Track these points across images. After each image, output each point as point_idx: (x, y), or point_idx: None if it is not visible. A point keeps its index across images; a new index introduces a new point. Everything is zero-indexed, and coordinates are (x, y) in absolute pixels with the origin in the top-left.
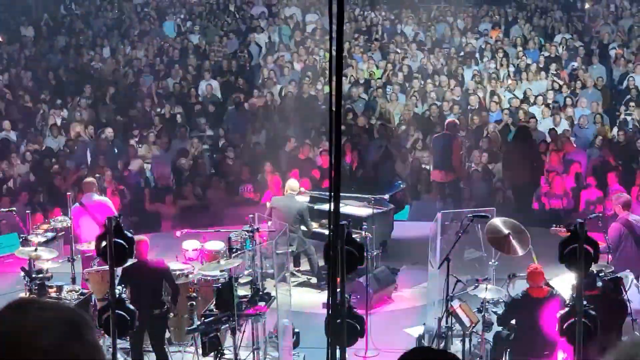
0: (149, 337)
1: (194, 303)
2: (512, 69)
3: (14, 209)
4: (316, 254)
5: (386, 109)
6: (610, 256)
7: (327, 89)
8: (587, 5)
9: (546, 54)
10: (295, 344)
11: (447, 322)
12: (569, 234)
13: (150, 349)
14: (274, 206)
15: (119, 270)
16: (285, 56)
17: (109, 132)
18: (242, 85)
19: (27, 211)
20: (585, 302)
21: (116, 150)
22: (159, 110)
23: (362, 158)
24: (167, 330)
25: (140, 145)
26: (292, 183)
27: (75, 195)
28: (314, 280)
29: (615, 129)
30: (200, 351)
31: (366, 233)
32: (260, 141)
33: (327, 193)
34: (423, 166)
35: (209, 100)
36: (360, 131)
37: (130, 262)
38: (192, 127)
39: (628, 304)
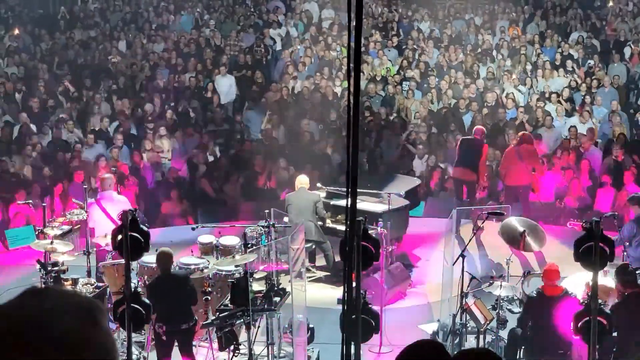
0: (178, 348)
1: (209, 298)
2: (529, 66)
3: (30, 201)
4: (332, 249)
5: (404, 105)
6: (624, 253)
7: (344, 84)
8: (610, 3)
9: (563, 51)
10: (310, 340)
11: (461, 319)
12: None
13: None
14: (288, 203)
15: (134, 264)
16: (301, 51)
17: (124, 125)
18: (258, 79)
19: (42, 204)
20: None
21: (132, 145)
22: (173, 104)
23: (380, 154)
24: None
25: (155, 139)
26: (302, 177)
27: (91, 189)
28: (327, 274)
29: (627, 128)
30: (215, 346)
31: (381, 229)
32: (277, 136)
33: (344, 188)
34: (439, 163)
35: (217, 106)
36: (377, 127)
37: (155, 275)
38: (208, 121)
39: None
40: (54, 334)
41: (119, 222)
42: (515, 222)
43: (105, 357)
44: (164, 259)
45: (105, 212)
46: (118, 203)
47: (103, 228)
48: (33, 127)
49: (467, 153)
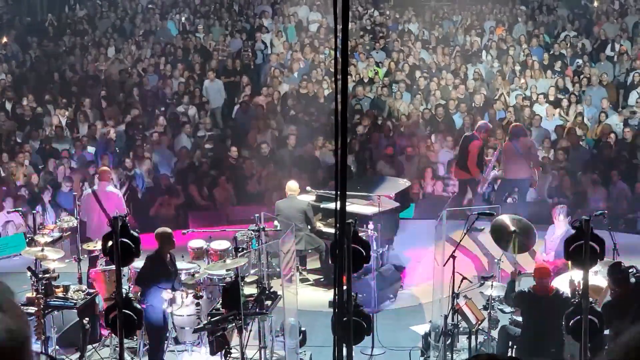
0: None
1: (200, 302)
2: (517, 67)
3: (20, 209)
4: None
5: (395, 107)
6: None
7: (332, 87)
8: (595, 4)
9: (551, 51)
10: (302, 343)
11: (453, 320)
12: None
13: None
14: (278, 211)
15: (125, 270)
16: (289, 55)
17: (112, 132)
18: (246, 84)
19: (33, 211)
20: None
21: (117, 150)
22: (163, 109)
23: (370, 157)
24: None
25: (146, 146)
26: (292, 184)
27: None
28: (318, 277)
29: (611, 126)
30: (207, 350)
31: (372, 231)
32: (266, 140)
33: (333, 191)
34: (430, 165)
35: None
36: (366, 130)
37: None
38: (197, 127)
39: None
40: None
41: (109, 215)
42: (507, 220)
43: (14, 341)
44: (163, 237)
45: (99, 203)
46: (112, 196)
47: (97, 224)
48: (19, 136)
49: (460, 152)
